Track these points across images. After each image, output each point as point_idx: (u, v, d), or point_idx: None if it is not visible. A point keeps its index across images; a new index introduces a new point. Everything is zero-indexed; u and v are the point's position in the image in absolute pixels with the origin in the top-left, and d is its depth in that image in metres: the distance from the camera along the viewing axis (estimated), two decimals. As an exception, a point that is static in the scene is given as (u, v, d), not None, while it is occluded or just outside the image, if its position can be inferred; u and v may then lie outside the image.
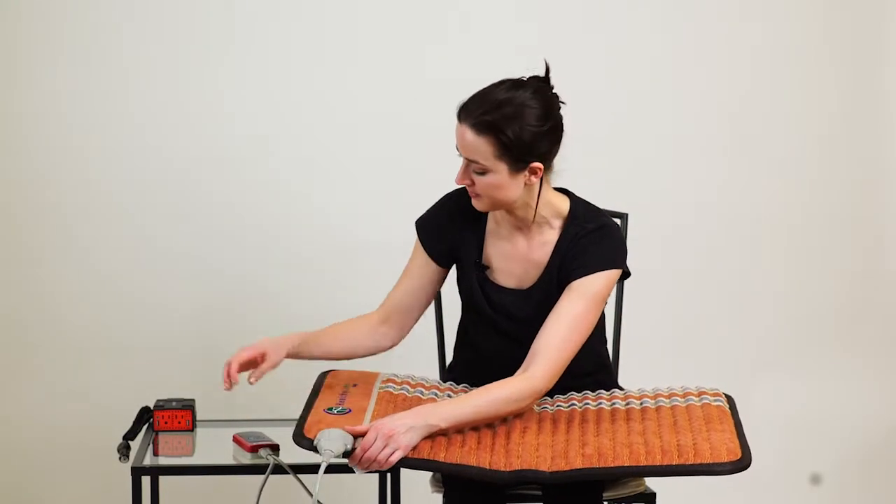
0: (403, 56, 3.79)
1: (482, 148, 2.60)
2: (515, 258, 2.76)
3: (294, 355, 2.78)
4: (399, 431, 2.48)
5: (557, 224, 2.74)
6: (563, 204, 2.74)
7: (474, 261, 2.78)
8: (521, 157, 2.61)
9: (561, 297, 2.66)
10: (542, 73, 2.67)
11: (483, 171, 2.62)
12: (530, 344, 2.67)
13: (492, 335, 2.78)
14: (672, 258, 3.87)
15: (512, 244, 2.76)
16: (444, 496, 2.74)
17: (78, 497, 3.80)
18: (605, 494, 2.73)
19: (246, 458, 2.73)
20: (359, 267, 3.80)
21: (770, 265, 3.94)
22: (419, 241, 2.84)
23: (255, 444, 2.73)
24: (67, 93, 3.73)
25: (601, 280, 2.66)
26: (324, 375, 2.77)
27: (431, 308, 3.20)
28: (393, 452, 2.47)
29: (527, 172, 2.63)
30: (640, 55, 3.85)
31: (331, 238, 3.80)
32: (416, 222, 2.85)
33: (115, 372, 3.77)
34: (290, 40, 3.76)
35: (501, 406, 2.57)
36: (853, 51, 3.92)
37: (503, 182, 2.63)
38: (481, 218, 2.79)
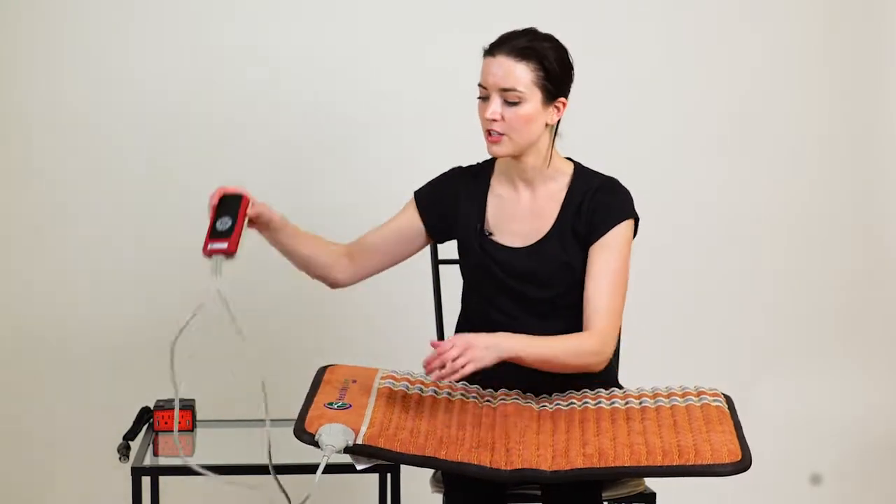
0: (402, 52, 3.79)
1: (523, 75, 2.68)
2: (520, 216, 2.81)
3: (268, 223, 2.78)
4: (478, 346, 2.52)
5: (563, 181, 2.80)
6: (568, 164, 2.83)
7: (476, 229, 2.81)
8: (554, 88, 2.70)
9: (592, 258, 2.73)
10: None
11: (518, 101, 2.68)
12: (539, 305, 2.73)
13: (500, 300, 2.78)
14: (672, 258, 3.87)
15: (516, 202, 2.81)
16: (444, 496, 2.74)
17: (78, 497, 3.80)
18: (604, 494, 2.73)
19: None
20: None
21: (770, 265, 3.95)
22: (414, 203, 2.88)
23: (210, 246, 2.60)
24: (69, 92, 3.73)
25: (623, 230, 2.74)
26: (322, 370, 2.77)
27: (431, 308, 3.21)
28: (466, 364, 2.50)
29: (552, 108, 2.72)
30: (640, 55, 3.85)
31: (332, 236, 3.80)
32: (416, 192, 2.90)
33: (115, 372, 3.78)
34: (290, 39, 3.77)
35: (572, 357, 2.63)
36: (853, 51, 3.92)
37: (534, 114, 2.69)
38: (482, 190, 2.84)
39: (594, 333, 2.67)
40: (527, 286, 2.75)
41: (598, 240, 2.74)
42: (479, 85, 2.71)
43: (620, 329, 3.15)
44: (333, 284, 2.91)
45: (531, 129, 2.71)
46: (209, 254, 2.56)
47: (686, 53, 3.88)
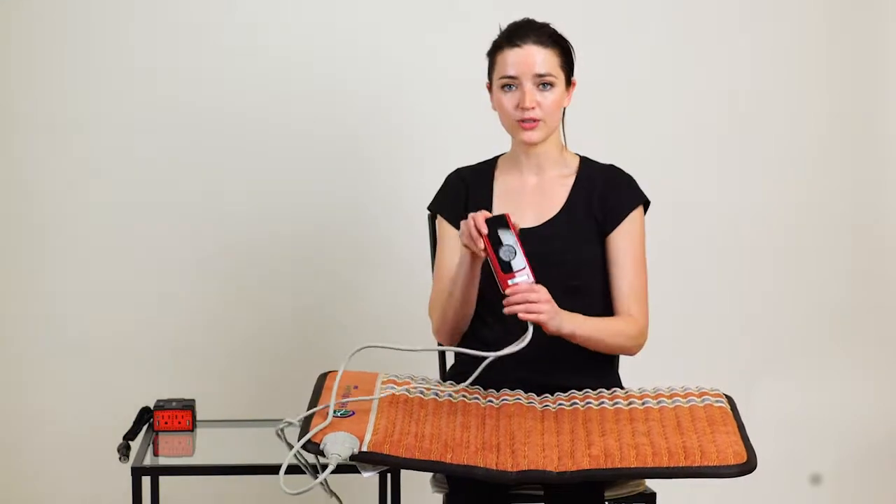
0: (401, 53, 3.80)
1: (551, 59, 2.78)
2: (527, 198, 2.85)
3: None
4: (555, 309, 2.59)
5: (571, 167, 2.87)
6: (574, 156, 2.91)
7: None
8: (570, 69, 2.83)
9: (614, 246, 2.83)
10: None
11: (552, 84, 2.77)
12: (547, 287, 2.70)
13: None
14: (671, 258, 3.87)
15: (522, 187, 2.86)
16: (446, 496, 2.74)
17: (78, 497, 3.80)
18: (605, 494, 2.73)
19: None
20: (363, 264, 3.81)
21: (769, 265, 3.94)
22: (442, 220, 2.89)
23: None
24: (72, 90, 3.73)
25: (638, 216, 2.85)
26: (323, 377, 2.76)
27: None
28: (539, 315, 2.56)
29: (568, 90, 2.82)
30: (639, 54, 3.86)
31: (333, 235, 3.81)
32: (430, 207, 2.93)
33: (115, 372, 3.77)
34: (290, 39, 3.77)
35: (615, 337, 2.76)
36: (853, 51, 3.92)
37: (562, 97, 2.80)
38: (487, 183, 2.88)
39: (635, 321, 2.80)
40: (536, 267, 2.75)
41: (615, 228, 2.82)
42: (505, 76, 2.77)
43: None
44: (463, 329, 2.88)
45: (558, 113, 2.81)
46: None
47: (686, 53, 3.88)
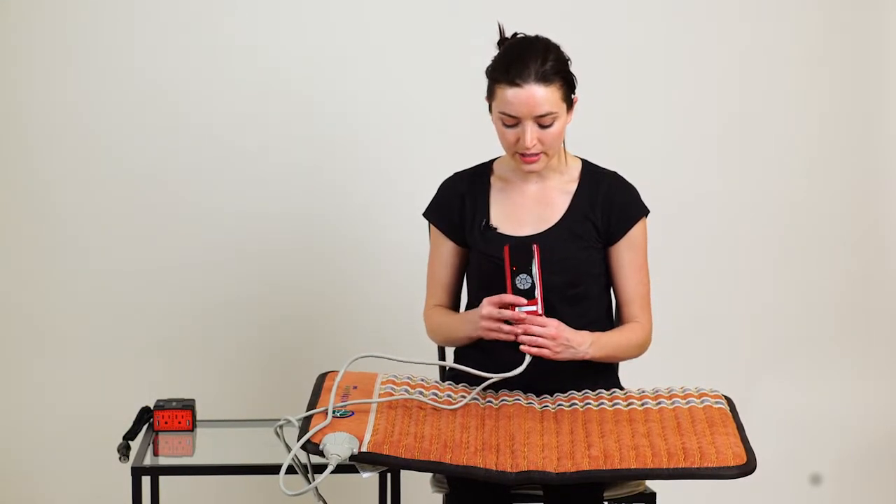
0: (404, 52, 3.80)
1: (552, 96, 2.70)
2: (527, 205, 2.84)
3: None
4: (569, 342, 2.65)
5: (573, 174, 2.86)
6: (576, 160, 2.89)
7: (481, 226, 2.83)
8: (571, 92, 2.75)
9: (618, 256, 2.84)
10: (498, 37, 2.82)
11: (554, 120, 2.71)
12: (546, 295, 2.73)
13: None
14: (671, 258, 3.87)
15: (522, 193, 2.85)
16: (446, 496, 2.74)
17: (78, 497, 3.80)
18: (605, 494, 2.73)
19: None
20: (364, 265, 3.80)
21: (769, 265, 3.94)
22: (434, 229, 2.91)
23: None
24: (74, 90, 3.73)
25: (642, 227, 2.86)
26: (322, 377, 2.76)
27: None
28: (545, 347, 2.63)
29: (569, 110, 2.77)
30: (639, 54, 3.85)
31: (334, 235, 3.81)
32: (424, 214, 2.93)
33: (115, 372, 3.78)
34: (292, 40, 3.77)
35: (632, 350, 2.82)
36: (853, 50, 3.92)
37: (564, 125, 2.75)
38: (483, 188, 2.87)
39: (642, 326, 2.82)
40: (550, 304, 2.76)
41: (620, 239, 2.82)
42: (504, 113, 2.70)
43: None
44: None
45: (561, 138, 2.77)
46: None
47: (685, 53, 3.87)
